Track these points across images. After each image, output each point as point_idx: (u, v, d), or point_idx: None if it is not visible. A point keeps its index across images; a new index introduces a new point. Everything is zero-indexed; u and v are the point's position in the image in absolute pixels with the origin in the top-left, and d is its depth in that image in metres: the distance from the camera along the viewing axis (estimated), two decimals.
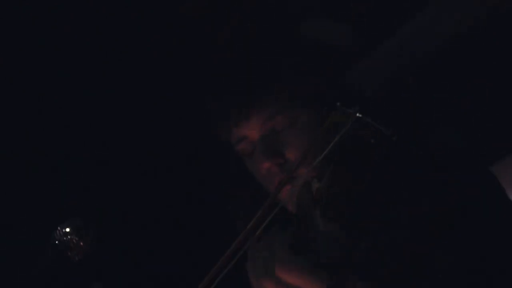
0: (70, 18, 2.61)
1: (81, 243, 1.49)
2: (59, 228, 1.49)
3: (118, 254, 2.39)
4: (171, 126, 2.79)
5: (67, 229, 1.48)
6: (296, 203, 1.40)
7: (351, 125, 1.38)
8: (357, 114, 1.39)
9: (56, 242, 1.48)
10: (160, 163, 2.88)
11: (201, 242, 2.68)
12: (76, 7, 2.60)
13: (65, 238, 1.48)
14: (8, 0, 2.53)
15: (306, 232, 1.33)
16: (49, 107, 2.64)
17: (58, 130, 2.66)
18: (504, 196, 1.50)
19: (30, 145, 2.62)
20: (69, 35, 2.62)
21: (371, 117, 1.40)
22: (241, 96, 1.59)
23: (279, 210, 1.43)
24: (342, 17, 2.16)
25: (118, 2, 2.64)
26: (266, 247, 1.35)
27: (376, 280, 1.30)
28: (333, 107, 1.41)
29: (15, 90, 2.60)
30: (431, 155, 1.51)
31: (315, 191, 1.38)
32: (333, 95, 1.52)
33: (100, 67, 2.67)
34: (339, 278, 1.25)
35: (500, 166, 2.93)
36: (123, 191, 2.75)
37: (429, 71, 2.33)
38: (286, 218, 1.50)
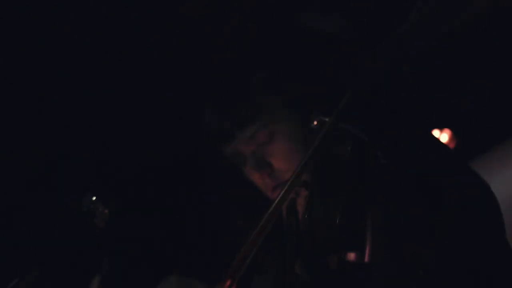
0: (70, 18, 2.61)
1: (106, 211, 1.62)
2: (87, 196, 1.63)
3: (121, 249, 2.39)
4: (171, 126, 2.79)
5: (94, 198, 1.62)
6: (284, 217, 1.51)
7: (327, 132, 1.52)
8: (328, 120, 1.53)
9: (85, 209, 1.61)
10: (159, 163, 2.88)
11: (202, 241, 2.68)
12: (76, 7, 2.60)
13: (92, 206, 1.61)
14: (9, 0, 2.53)
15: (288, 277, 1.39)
16: (49, 107, 2.64)
17: (58, 130, 2.66)
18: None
19: (30, 145, 2.62)
20: (69, 35, 2.62)
21: (348, 124, 1.52)
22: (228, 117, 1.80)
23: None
24: (342, 16, 2.17)
25: (118, 2, 2.64)
26: None
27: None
28: (312, 115, 1.58)
29: (15, 90, 2.60)
30: (430, 155, 1.54)
31: (304, 201, 1.50)
32: (323, 98, 1.70)
33: (100, 67, 2.67)
34: None
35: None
36: (121, 192, 2.75)
37: (427, 69, 2.33)
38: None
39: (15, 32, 2.58)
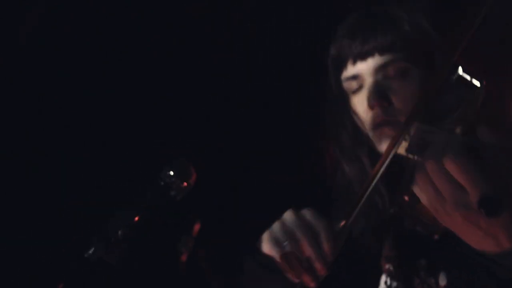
0: (70, 18, 2.61)
1: (184, 184, 1.62)
2: (164, 170, 1.64)
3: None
4: (171, 126, 2.79)
5: (171, 172, 1.62)
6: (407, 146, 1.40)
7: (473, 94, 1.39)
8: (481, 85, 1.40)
9: (162, 183, 1.61)
10: (159, 163, 2.87)
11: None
12: (76, 7, 2.60)
13: (168, 180, 1.62)
14: (8, 0, 2.53)
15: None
16: (49, 107, 2.64)
17: (58, 130, 2.66)
18: None
19: (30, 145, 2.62)
20: (69, 35, 2.62)
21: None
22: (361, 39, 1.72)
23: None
24: None
25: (118, 2, 2.64)
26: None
27: None
28: (454, 70, 1.42)
29: (15, 90, 2.60)
30: None
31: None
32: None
33: (100, 67, 2.67)
34: None
35: None
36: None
37: None
38: None
39: (15, 32, 2.58)
